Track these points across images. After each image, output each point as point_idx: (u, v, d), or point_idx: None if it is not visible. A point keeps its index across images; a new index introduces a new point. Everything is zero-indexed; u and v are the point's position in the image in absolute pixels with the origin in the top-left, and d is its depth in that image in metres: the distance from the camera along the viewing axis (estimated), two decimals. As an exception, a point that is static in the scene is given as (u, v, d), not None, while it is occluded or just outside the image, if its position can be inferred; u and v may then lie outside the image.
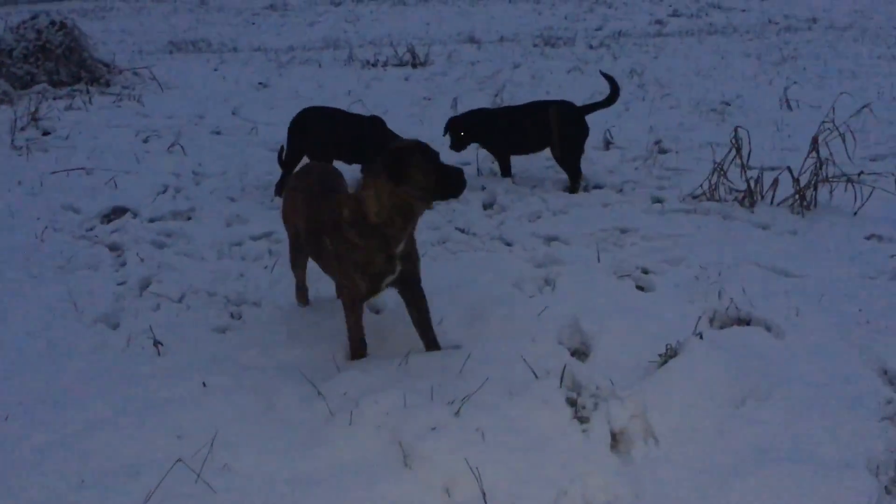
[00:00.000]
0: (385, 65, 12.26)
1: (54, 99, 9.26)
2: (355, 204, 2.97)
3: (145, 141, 7.32)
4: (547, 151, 5.80)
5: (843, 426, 2.69)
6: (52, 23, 10.31)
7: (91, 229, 5.06)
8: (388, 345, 3.34)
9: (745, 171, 5.10)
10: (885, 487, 2.46)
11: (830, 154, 5.00)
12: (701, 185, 5.24)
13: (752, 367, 2.99)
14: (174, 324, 3.72)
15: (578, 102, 5.88)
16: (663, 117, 7.83)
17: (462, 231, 4.93)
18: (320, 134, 5.67)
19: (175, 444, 2.70)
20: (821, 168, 4.91)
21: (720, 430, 2.71)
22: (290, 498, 2.45)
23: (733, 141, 5.14)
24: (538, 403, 2.79)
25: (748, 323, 3.50)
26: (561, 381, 2.89)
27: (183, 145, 6.94)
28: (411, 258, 3.14)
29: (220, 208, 5.41)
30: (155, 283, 4.19)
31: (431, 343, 3.30)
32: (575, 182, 5.66)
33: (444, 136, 6.00)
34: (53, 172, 6.14)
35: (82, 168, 6.27)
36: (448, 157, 3.77)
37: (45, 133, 7.60)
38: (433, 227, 4.90)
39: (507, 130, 5.86)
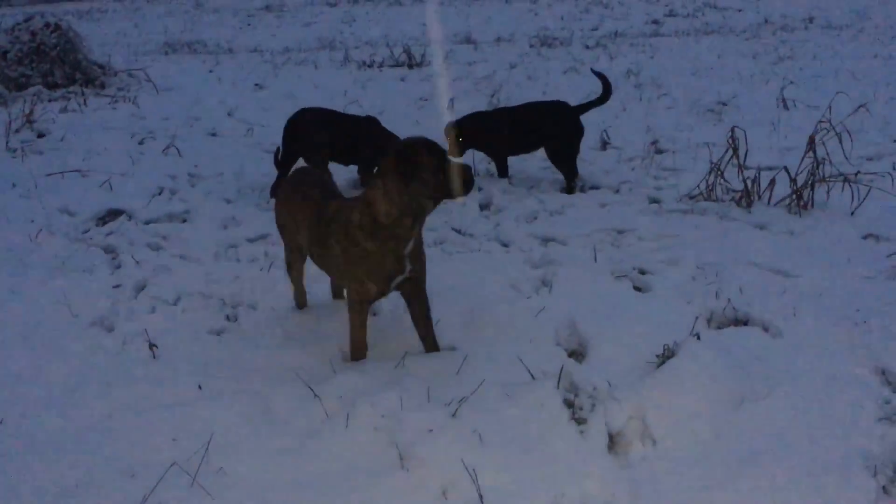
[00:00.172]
0: (381, 65, 12.25)
1: (49, 101, 9.24)
2: (364, 206, 2.94)
3: (140, 143, 7.30)
4: (542, 151, 5.79)
5: (841, 426, 2.68)
6: (47, 24, 10.29)
7: (86, 231, 5.04)
8: (385, 347, 3.33)
9: (742, 171, 5.09)
10: (883, 487, 2.44)
11: (827, 154, 5.00)
12: (698, 186, 5.24)
13: (750, 368, 2.98)
14: (169, 326, 3.70)
15: (574, 103, 5.88)
16: (660, 117, 7.83)
17: (459, 232, 4.92)
18: (316, 135, 5.66)
19: (170, 447, 2.69)
20: (818, 168, 4.90)
21: (718, 431, 2.70)
22: (286, 501, 2.43)
23: (730, 141, 5.13)
24: (535, 405, 2.78)
25: (745, 323, 3.49)
26: (558, 383, 2.88)
27: (178, 147, 6.93)
28: (419, 258, 3.12)
29: (215, 210, 5.39)
30: (150, 285, 4.17)
31: (431, 345, 3.28)
32: (571, 182, 5.66)
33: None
34: (48, 175, 6.12)
35: (77, 170, 6.25)
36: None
37: (40, 135, 7.58)
38: (430, 227, 4.88)
39: (504, 132, 5.86)
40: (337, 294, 3.95)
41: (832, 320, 3.40)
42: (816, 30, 15.26)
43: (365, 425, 2.71)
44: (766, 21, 17.23)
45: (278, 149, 5.70)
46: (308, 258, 3.69)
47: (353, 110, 7.43)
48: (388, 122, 6.12)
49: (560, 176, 5.75)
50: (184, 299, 4.00)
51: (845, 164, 5.23)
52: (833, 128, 5.02)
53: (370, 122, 5.82)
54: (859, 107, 5.75)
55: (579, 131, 5.69)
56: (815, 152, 4.93)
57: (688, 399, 2.78)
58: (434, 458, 2.52)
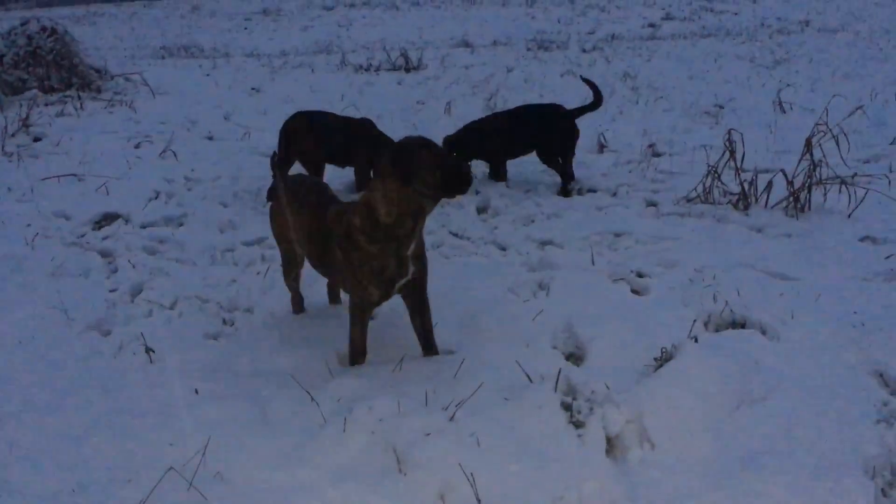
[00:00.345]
0: (378, 69, 12.26)
1: (45, 105, 9.21)
2: (364, 209, 2.93)
3: (137, 147, 7.29)
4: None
5: (839, 429, 2.68)
6: (43, 28, 10.26)
7: (82, 236, 5.03)
8: (382, 350, 3.31)
9: (739, 174, 5.09)
10: (882, 490, 2.44)
11: (824, 156, 5.00)
12: (695, 188, 5.24)
13: (748, 371, 2.98)
14: (166, 330, 3.69)
15: (571, 106, 5.88)
16: (657, 120, 7.84)
17: (456, 235, 4.91)
18: (311, 138, 5.67)
19: (167, 451, 2.68)
20: (814, 170, 4.90)
21: (716, 434, 2.69)
22: (283, 506, 2.42)
23: (727, 143, 5.13)
24: (533, 408, 2.77)
25: (743, 326, 3.48)
26: (556, 386, 2.87)
27: (175, 151, 6.92)
28: (421, 259, 3.10)
29: (212, 214, 5.38)
30: (147, 289, 4.16)
31: (430, 349, 3.27)
32: (567, 185, 5.66)
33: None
34: (44, 179, 6.11)
35: (73, 174, 6.24)
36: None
37: (36, 139, 7.56)
38: (427, 231, 4.88)
39: (499, 137, 5.85)
40: (333, 298, 3.94)
41: (830, 323, 3.40)
42: (812, 32, 15.30)
43: (362, 429, 2.70)
44: (762, 24, 17.28)
45: (275, 153, 5.69)
46: (304, 264, 3.69)
47: (351, 114, 7.41)
48: (385, 126, 6.13)
49: (557, 179, 5.75)
50: (180, 303, 3.99)
51: (842, 167, 5.24)
52: (830, 130, 5.03)
53: (365, 125, 5.83)
54: (856, 109, 5.76)
55: (574, 134, 5.69)
56: (811, 155, 4.93)
57: (686, 402, 2.78)
58: (432, 462, 2.51)
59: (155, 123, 8.34)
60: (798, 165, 4.98)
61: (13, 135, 7.45)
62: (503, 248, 4.66)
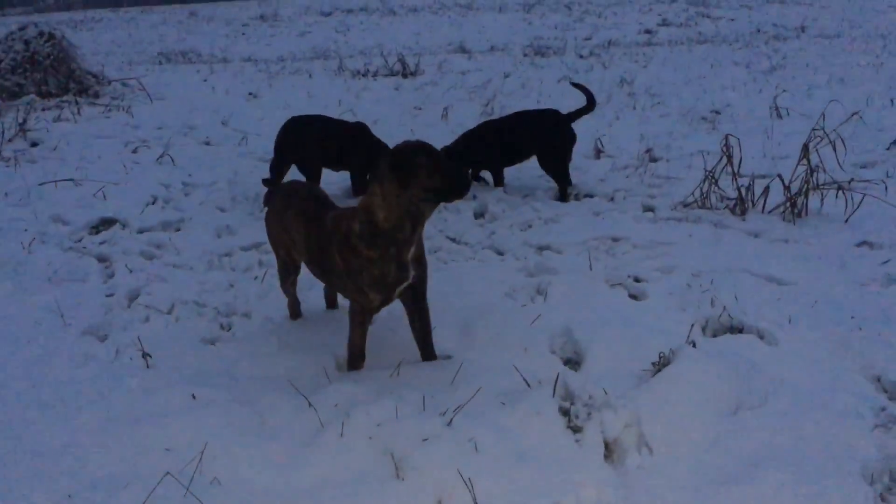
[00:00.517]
0: (375, 75, 12.27)
1: (43, 110, 9.20)
2: (364, 214, 2.92)
3: (134, 152, 7.28)
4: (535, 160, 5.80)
5: (837, 434, 2.68)
6: (41, 34, 10.27)
7: (79, 240, 5.01)
8: (380, 355, 3.31)
9: (736, 179, 5.10)
10: (880, 495, 2.44)
11: (821, 161, 5.01)
12: (692, 193, 5.24)
13: (746, 375, 2.98)
14: (163, 335, 3.68)
15: (568, 111, 5.88)
16: (654, 126, 7.85)
17: (453, 240, 4.91)
18: (307, 142, 5.68)
19: (163, 456, 2.67)
20: (811, 176, 4.91)
21: (714, 439, 2.69)
22: (280, 511, 2.42)
23: (724, 149, 5.14)
24: (531, 413, 2.77)
25: (741, 331, 3.48)
26: (554, 391, 2.87)
27: (172, 156, 6.91)
28: (421, 263, 3.10)
29: (209, 219, 5.37)
30: (144, 294, 4.15)
31: (428, 354, 3.27)
32: (565, 190, 5.66)
33: None
34: (41, 184, 6.10)
35: (70, 179, 6.23)
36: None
37: (34, 144, 7.55)
38: (424, 236, 4.86)
39: (496, 145, 5.85)
40: (331, 303, 3.94)
41: (827, 328, 3.40)
42: (808, 39, 15.34)
43: (360, 434, 2.70)
44: (758, 30, 17.33)
45: (273, 159, 5.72)
46: (300, 270, 3.69)
47: (348, 119, 7.42)
48: (382, 131, 6.13)
49: (554, 184, 5.76)
50: (177, 308, 3.98)
51: (839, 172, 5.25)
52: (826, 135, 5.04)
53: (360, 129, 5.84)
54: (852, 114, 5.78)
55: (571, 139, 5.70)
56: (808, 160, 4.94)
57: (684, 407, 2.78)
58: (429, 467, 2.51)
59: (152, 128, 8.34)
60: (795, 171, 4.99)
61: (10, 140, 7.44)
62: (501, 253, 4.66)
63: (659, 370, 2.99)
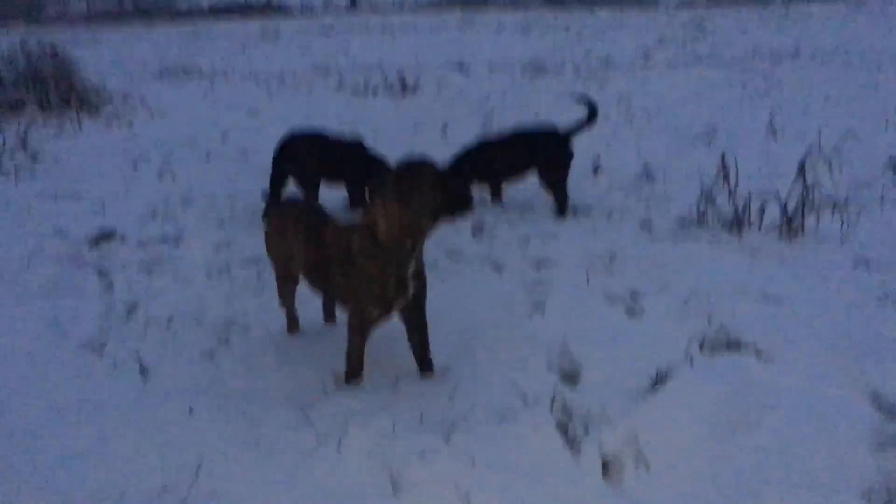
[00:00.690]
0: (375, 91, 12.33)
1: (44, 124, 9.24)
2: (365, 229, 2.92)
3: (134, 165, 7.30)
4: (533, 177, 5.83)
5: (835, 452, 2.68)
6: (43, 48, 10.33)
7: (78, 253, 5.02)
8: (377, 370, 3.31)
9: (733, 198, 5.12)
10: (878, 513, 2.44)
11: (818, 180, 5.04)
12: (689, 211, 5.26)
13: (744, 393, 2.98)
14: (161, 348, 3.67)
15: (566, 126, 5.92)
16: (651, 144, 7.89)
17: (451, 255, 4.92)
18: (304, 156, 5.71)
19: (160, 470, 2.66)
20: (808, 195, 4.94)
21: (712, 457, 2.69)
22: (277, 525, 2.41)
23: (721, 167, 5.17)
24: (529, 429, 2.77)
25: (738, 348, 3.49)
26: (551, 407, 2.87)
27: (172, 170, 6.94)
28: (421, 278, 3.10)
29: (208, 232, 5.39)
30: (142, 307, 4.15)
31: (426, 368, 3.28)
32: (562, 206, 5.68)
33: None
34: (41, 196, 6.11)
35: (70, 192, 6.24)
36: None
37: (34, 158, 7.58)
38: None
39: (494, 161, 5.87)
40: (329, 317, 3.94)
41: (825, 347, 3.41)
42: (803, 60, 15.45)
43: (357, 449, 2.69)
44: (753, 52, 17.46)
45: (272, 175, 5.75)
46: (298, 283, 3.70)
47: (347, 133, 7.44)
48: (381, 147, 6.16)
49: (552, 200, 5.78)
50: (176, 321, 3.98)
51: (835, 192, 5.28)
52: (823, 154, 5.07)
53: (357, 144, 5.87)
54: (847, 133, 5.81)
55: (570, 155, 5.72)
56: (805, 179, 4.97)
57: (682, 424, 2.78)
58: (427, 483, 2.50)
59: (153, 142, 8.38)
60: (791, 189, 5.01)
61: (11, 153, 7.47)
62: (499, 268, 4.67)
63: (656, 387, 2.99)
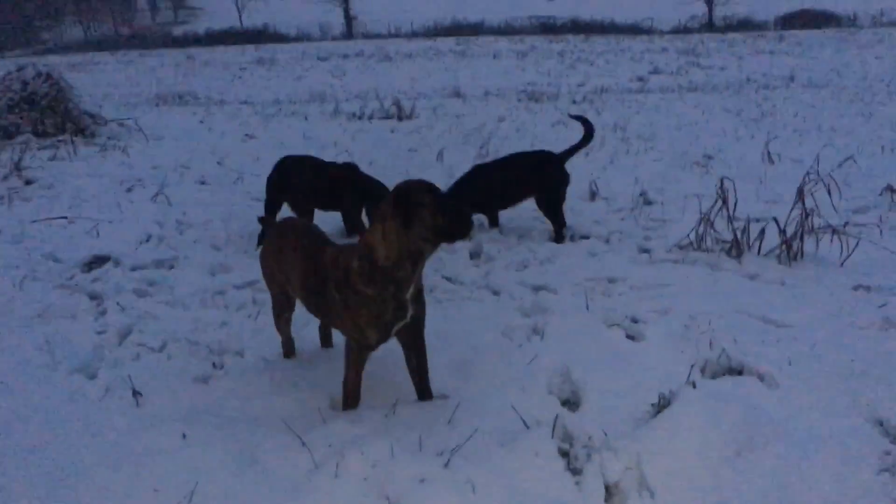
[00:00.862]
0: (371, 117, 12.37)
1: (38, 149, 9.21)
2: (364, 252, 2.89)
3: (129, 190, 7.27)
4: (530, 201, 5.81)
5: (842, 478, 2.63)
6: (39, 74, 10.32)
7: (71, 278, 4.97)
8: (375, 394, 3.25)
9: (732, 222, 5.11)
10: (888, 541, 2.39)
11: (816, 205, 5.03)
12: (688, 236, 5.25)
13: (747, 418, 2.92)
14: (154, 373, 3.61)
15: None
16: (647, 170, 7.90)
17: (449, 280, 4.88)
18: (298, 182, 5.71)
19: (152, 497, 2.60)
20: (807, 219, 4.92)
21: (716, 482, 2.64)
22: (272, 554, 2.34)
23: (719, 192, 5.16)
24: (530, 454, 2.72)
25: (740, 373, 3.45)
26: (553, 432, 2.82)
27: (167, 195, 6.91)
28: (420, 301, 3.06)
29: (203, 257, 5.34)
30: (135, 331, 4.10)
31: (425, 393, 3.23)
32: (559, 231, 5.66)
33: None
34: (34, 221, 6.07)
35: (64, 217, 6.20)
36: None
37: (28, 182, 7.55)
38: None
39: (490, 188, 5.85)
40: (325, 342, 3.89)
41: (827, 370, 3.37)
42: (797, 88, 15.59)
43: (355, 475, 2.63)
44: (747, 79, 17.61)
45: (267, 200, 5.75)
46: (295, 308, 3.65)
47: (345, 160, 7.44)
48: (377, 173, 6.14)
49: (550, 225, 5.76)
50: (169, 346, 3.92)
51: (833, 216, 5.27)
52: (821, 179, 5.07)
53: (350, 169, 5.86)
54: (846, 159, 5.82)
55: (565, 180, 5.72)
56: (804, 203, 4.96)
57: (685, 449, 2.73)
58: (426, 509, 2.44)
59: (148, 168, 8.35)
60: (790, 214, 5.00)
61: (5, 178, 7.44)
62: (496, 293, 4.63)
63: (659, 412, 2.94)
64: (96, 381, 3.52)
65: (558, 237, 5.66)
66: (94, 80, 21.37)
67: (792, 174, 7.03)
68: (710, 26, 49.30)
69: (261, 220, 4.30)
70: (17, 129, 9.79)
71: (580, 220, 6.09)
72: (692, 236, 5.23)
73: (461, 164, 7.81)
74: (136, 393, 3.36)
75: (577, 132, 5.87)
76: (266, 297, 4.22)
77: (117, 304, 4.46)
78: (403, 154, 9.17)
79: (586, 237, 5.72)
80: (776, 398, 3.17)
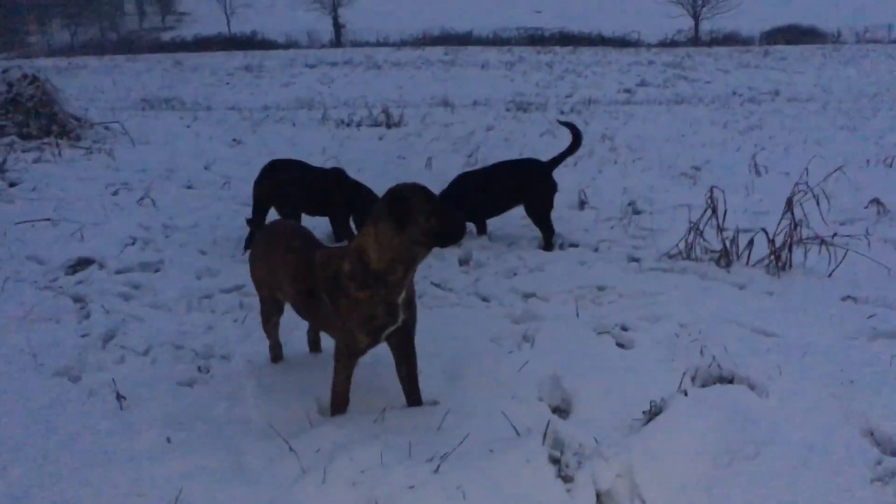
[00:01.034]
0: (359, 125, 12.34)
1: (23, 151, 9.12)
2: (355, 255, 2.86)
3: (115, 194, 7.20)
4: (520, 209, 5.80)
5: (834, 488, 2.62)
6: (24, 76, 10.25)
7: (54, 280, 4.90)
8: (364, 399, 3.21)
9: (721, 232, 5.12)
10: (880, 550, 2.37)
11: (805, 216, 5.05)
12: (677, 245, 5.25)
13: (739, 426, 2.91)
14: (138, 377, 3.56)
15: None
16: (636, 180, 7.92)
17: (438, 286, 4.86)
18: (285, 186, 5.67)
19: (137, 502, 2.55)
20: (795, 229, 4.94)
21: (709, 491, 2.62)
22: (258, 561, 2.30)
23: (709, 201, 5.17)
24: (521, 461, 2.68)
25: (731, 381, 3.44)
26: (544, 439, 2.79)
27: (153, 198, 6.85)
28: (411, 306, 3.03)
29: (189, 261, 5.29)
30: (119, 335, 4.03)
31: (414, 398, 3.19)
32: (548, 239, 5.65)
33: None
34: (18, 223, 5.99)
35: (48, 219, 6.13)
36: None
37: (12, 184, 7.46)
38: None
39: (478, 196, 5.82)
40: (314, 346, 3.84)
41: (818, 380, 3.36)
42: (782, 102, 15.73)
43: (343, 481, 2.59)
44: (734, 93, 17.76)
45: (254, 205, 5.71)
46: (283, 311, 3.61)
47: (332, 166, 7.41)
48: (366, 179, 6.11)
49: (538, 233, 5.75)
50: (154, 350, 3.86)
51: (821, 227, 5.29)
52: (811, 190, 5.09)
53: (338, 174, 5.84)
54: (835, 170, 5.86)
55: (552, 188, 5.71)
56: (793, 214, 4.98)
57: (677, 457, 2.71)
58: (416, 516, 2.41)
59: (134, 171, 8.28)
60: (779, 224, 5.01)
61: (-11, 179, 7.35)
62: (486, 300, 4.60)
63: (651, 419, 2.92)
64: (80, 385, 3.47)
65: (547, 245, 5.65)
66: (80, 83, 21.24)
67: (779, 186, 7.07)
68: (696, 40, 49.73)
69: (249, 222, 4.26)
70: (2, 130, 9.70)
71: (569, 228, 6.08)
72: (681, 245, 5.23)
73: (450, 171, 7.78)
74: (120, 396, 3.30)
75: (566, 142, 5.87)
76: (253, 300, 4.17)
77: (102, 306, 4.40)
78: (392, 161, 9.16)
79: (575, 245, 5.72)
80: (767, 407, 3.16)
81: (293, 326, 3.90)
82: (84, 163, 8.70)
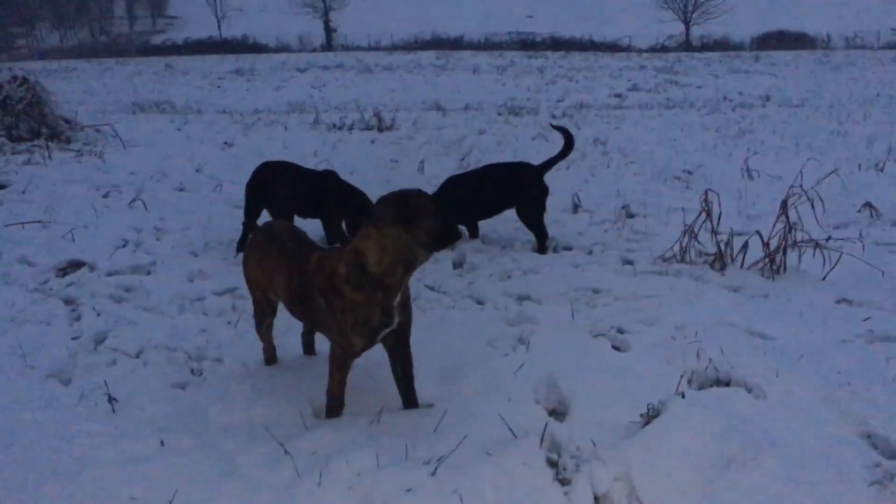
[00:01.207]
0: (351, 128, 12.31)
1: (13, 153, 9.05)
2: (353, 257, 2.84)
3: (105, 196, 7.15)
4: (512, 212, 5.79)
5: (832, 491, 2.61)
6: (14, 78, 10.17)
7: (45, 282, 4.85)
8: (360, 402, 3.18)
9: (716, 235, 5.11)
10: (879, 553, 2.36)
11: (799, 219, 5.05)
12: (671, 248, 5.24)
13: (736, 429, 2.90)
14: (130, 380, 3.52)
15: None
16: (629, 183, 7.92)
17: (432, 289, 4.83)
18: (277, 189, 5.63)
19: (129, 505, 2.51)
20: (790, 233, 4.94)
21: (706, 493, 2.61)
22: (253, 565, 2.27)
23: (703, 204, 5.17)
24: (518, 464, 2.66)
25: (728, 384, 3.43)
26: (541, 442, 2.77)
27: (144, 201, 6.80)
28: (406, 308, 3.01)
29: (181, 263, 5.24)
30: (111, 337, 3.99)
31: (410, 401, 3.17)
32: (542, 241, 5.64)
33: None
34: (7, 225, 5.94)
35: (38, 221, 6.08)
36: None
37: (2, 187, 7.41)
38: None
39: (471, 198, 5.80)
40: (308, 349, 3.81)
41: (814, 382, 3.36)
42: (773, 107, 15.80)
43: (339, 484, 2.57)
44: (724, 98, 17.82)
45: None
46: (276, 313, 3.58)
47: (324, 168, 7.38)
48: (359, 182, 6.08)
49: (532, 236, 5.73)
50: (146, 352, 3.82)
51: (815, 230, 5.30)
52: (805, 193, 5.09)
53: (330, 176, 5.81)
54: (830, 173, 5.87)
55: (543, 191, 5.70)
56: (787, 217, 4.98)
57: (675, 460, 2.70)
58: (413, 520, 2.38)
59: (124, 174, 8.23)
60: (773, 227, 5.02)
61: (-23, 181, 7.29)
62: (480, 303, 4.58)
63: (648, 422, 2.91)
64: (71, 387, 3.43)
65: (541, 248, 5.64)
66: (71, 86, 21.13)
67: (771, 190, 7.09)
68: (687, 45, 49.99)
69: (244, 224, 4.22)
70: (-9, 132, 9.62)
71: (563, 231, 6.07)
72: (676, 248, 5.22)
73: (442, 174, 7.76)
74: (111, 399, 3.26)
75: (558, 146, 5.86)
76: (246, 303, 4.14)
77: (93, 309, 4.35)
78: (384, 164, 9.13)
79: (569, 248, 5.71)
80: (764, 410, 3.15)
81: (287, 329, 3.88)
82: (74, 165, 8.65)
